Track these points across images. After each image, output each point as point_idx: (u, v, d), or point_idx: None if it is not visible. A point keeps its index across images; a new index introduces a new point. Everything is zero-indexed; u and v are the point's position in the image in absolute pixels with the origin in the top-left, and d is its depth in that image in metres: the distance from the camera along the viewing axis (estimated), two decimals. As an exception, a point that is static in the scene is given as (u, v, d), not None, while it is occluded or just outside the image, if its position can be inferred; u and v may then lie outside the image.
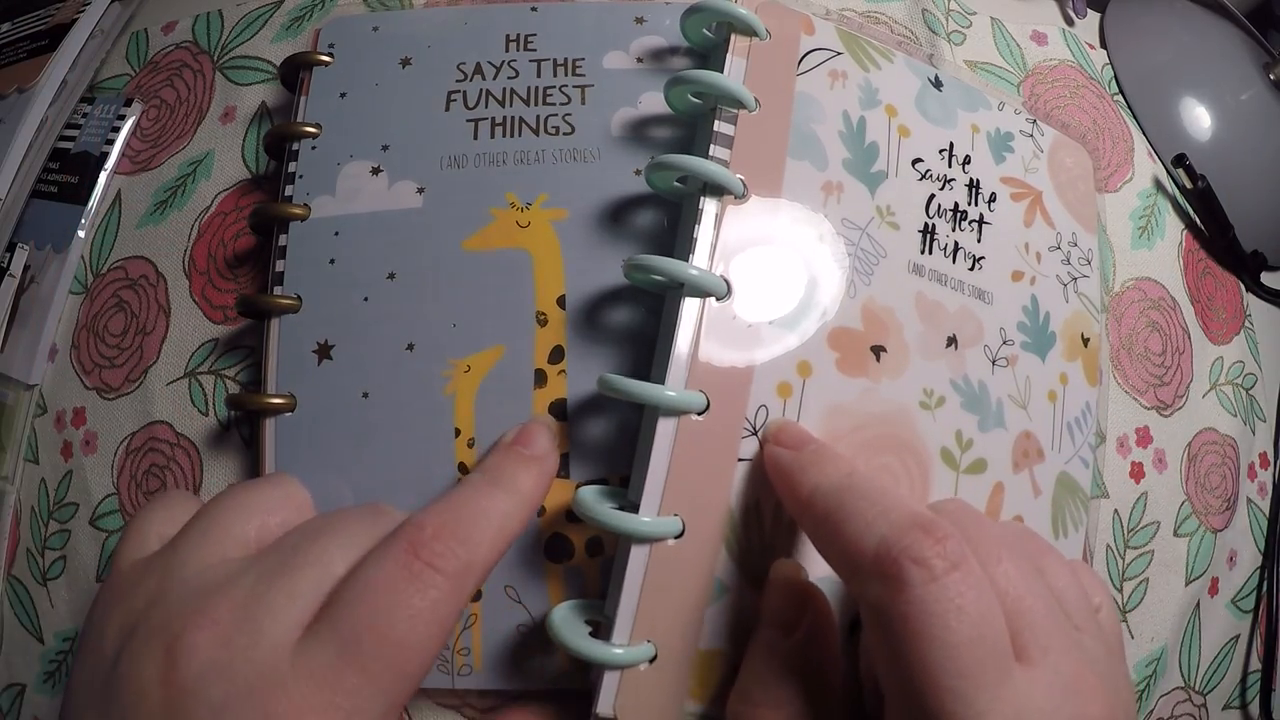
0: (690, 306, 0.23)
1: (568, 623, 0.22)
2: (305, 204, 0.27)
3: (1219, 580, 0.32)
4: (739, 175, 0.25)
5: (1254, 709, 0.33)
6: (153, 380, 0.28)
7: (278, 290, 0.26)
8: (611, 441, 0.25)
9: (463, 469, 0.25)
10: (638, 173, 0.27)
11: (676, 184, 0.26)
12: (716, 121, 0.25)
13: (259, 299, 0.26)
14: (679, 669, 0.22)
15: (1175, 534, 0.31)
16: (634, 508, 0.22)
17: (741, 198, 0.25)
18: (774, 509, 0.23)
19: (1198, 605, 0.32)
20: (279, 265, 0.27)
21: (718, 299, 0.24)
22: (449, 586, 0.18)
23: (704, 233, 0.24)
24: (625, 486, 0.24)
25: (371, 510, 0.21)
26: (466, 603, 0.20)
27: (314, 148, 0.28)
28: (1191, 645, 0.31)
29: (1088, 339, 0.30)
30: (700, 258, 0.24)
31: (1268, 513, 0.34)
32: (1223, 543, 0.32)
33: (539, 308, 0.26)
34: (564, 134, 0.27)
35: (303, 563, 0.19)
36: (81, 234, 0.31)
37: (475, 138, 0.27)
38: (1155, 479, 0.31)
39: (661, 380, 0.23)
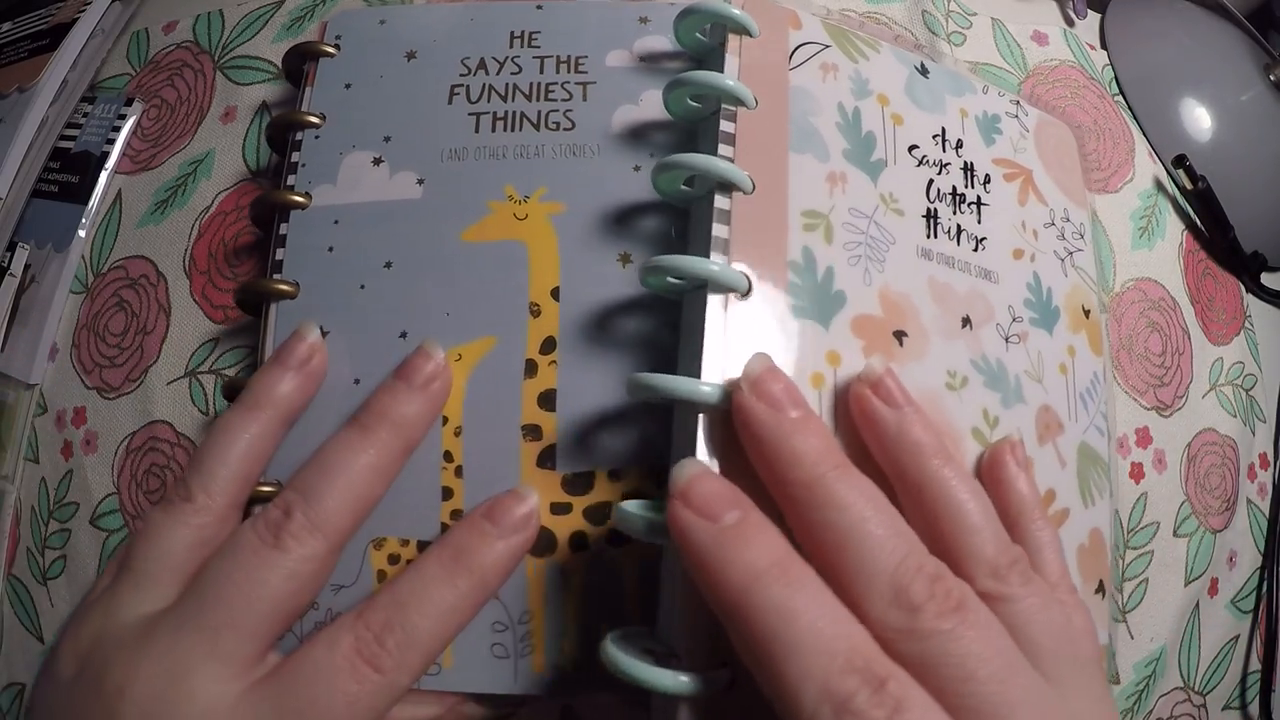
0: (715, 303, 0.23)
1: (624, 654, 0.20)
2: (307, 192, 0.27)
3: (1219, 581, 0.32)
4: (745, 171, 0.25)
5: (1254, 709, 0.33)
6: (153, 380, 0.28)
7: (276, 277, 0.27)
8: (601, 434, 0.25)
9: (448, 456, 0.25)
10: (637, 169, 0.27)
11: (683, 187, 0.26)
12: (720, 121, 0.25)
13: (258, 283, 0.26)
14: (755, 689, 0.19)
15: (1175, 534, 0.31)
16: None
17: (751, 194, 0.25)
18: None
19: (1197, 605, 0.32)
20: (278, 253, 0.27)
21: (740, 296, 0.23)
22: (385, 681, 0.20)
23: (720, 230, 0.24)
24: (614, 480, 0.24)
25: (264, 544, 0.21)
26: (408, 684, 0.21)
27: (317, 137, 0.28)
28: (1191, 645, 0.31)
29: (1088, 310, 0.30)
30: (719, 254, 0.24)
31: (1267, 513, 0.34)
32: (1222, 543, 0.32)
33: (533, 299, 0.26)
34: (564, 129, 0.28)
35: (221, 623, 0.20)
36: (82, 233, 0.31)
37: (476, 131, 0.28)
38: (1155, 479, 0.31)
39: (697, 376, 0.22)
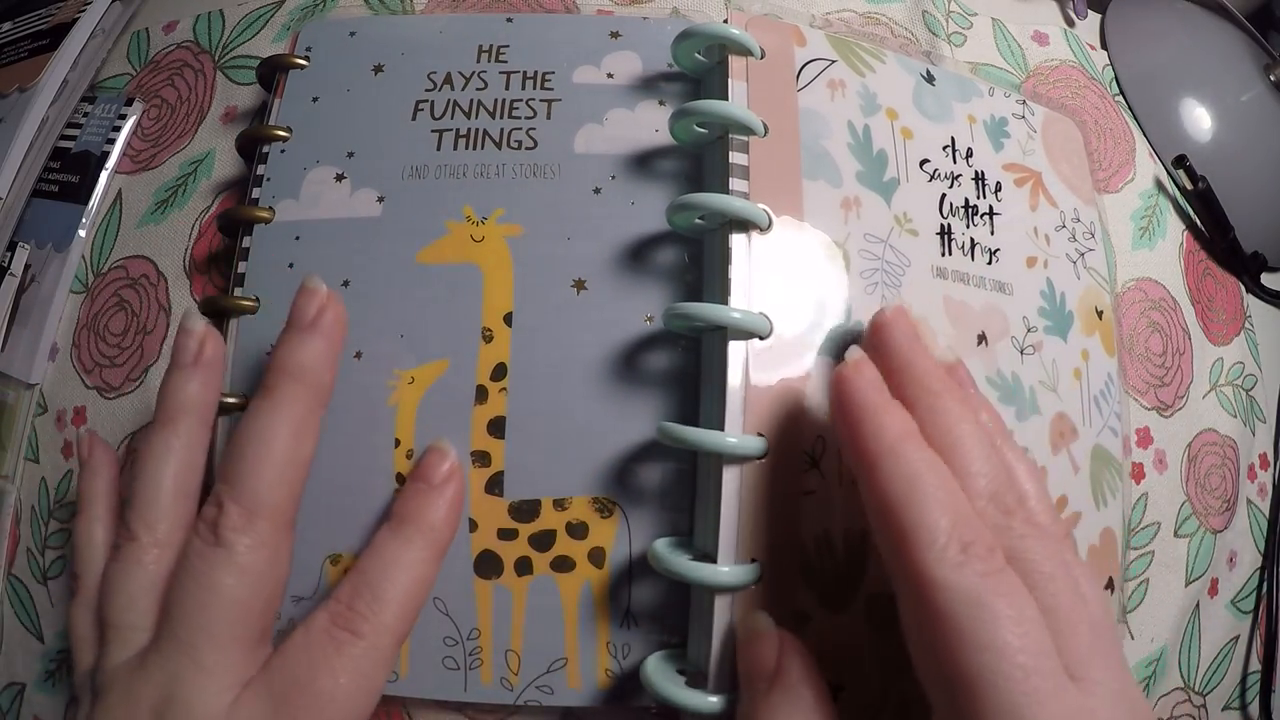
0: (736, 350, 0.23)
1: (660, 674, 0.23)
2: (270, 207, 0.27)
3: (1219, 581, 0.32)
4: (761, 205, 0.24)
5: (1254, 709, 0.33)
6: (153, 380, 0.28)
7: (238, 292, 0.27)
8: (548, 462, 0.25)
9: (399, 479, 0.25)
10: (597, 191, 0.27)
11: (698, 221, 0.25)
12: (730, 153, 0.25)
13: (219, 299, 0.26)
14: None
15: (1175, 535, 0.31)
16: (705, 556, 0.23)
17: (766, 229, 0.25)
18: (843, 534, 0.23)
19: (1197, 606, 0.32)
20: (241, 267, 0.27)
21: (761, 338, 0.23)
22: (366, 645, 0.21)
23: (738, 271, 0.24)
24: (560, 509, 0.24)
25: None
26: (395, 650, 0.22)
27: (283, 151, 0.28)
28: (1191, 646, 0.31)
29: (1101, 311, 0.30)
30: (738, 298, 0.24)
31: (1268, 513, 0.34)
32: (1222, 543, 0.32)
33: (485, 324, 0.25)
34: (526, 149, 0.27)
35: (194, 637, 0.21)
36: (82, 233, 0.31)
37: (438, 149, 0.27)
38: (1156, 480, 0.31)
39: (720, 428, 0.23)
